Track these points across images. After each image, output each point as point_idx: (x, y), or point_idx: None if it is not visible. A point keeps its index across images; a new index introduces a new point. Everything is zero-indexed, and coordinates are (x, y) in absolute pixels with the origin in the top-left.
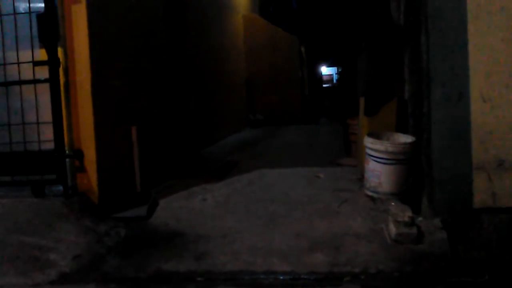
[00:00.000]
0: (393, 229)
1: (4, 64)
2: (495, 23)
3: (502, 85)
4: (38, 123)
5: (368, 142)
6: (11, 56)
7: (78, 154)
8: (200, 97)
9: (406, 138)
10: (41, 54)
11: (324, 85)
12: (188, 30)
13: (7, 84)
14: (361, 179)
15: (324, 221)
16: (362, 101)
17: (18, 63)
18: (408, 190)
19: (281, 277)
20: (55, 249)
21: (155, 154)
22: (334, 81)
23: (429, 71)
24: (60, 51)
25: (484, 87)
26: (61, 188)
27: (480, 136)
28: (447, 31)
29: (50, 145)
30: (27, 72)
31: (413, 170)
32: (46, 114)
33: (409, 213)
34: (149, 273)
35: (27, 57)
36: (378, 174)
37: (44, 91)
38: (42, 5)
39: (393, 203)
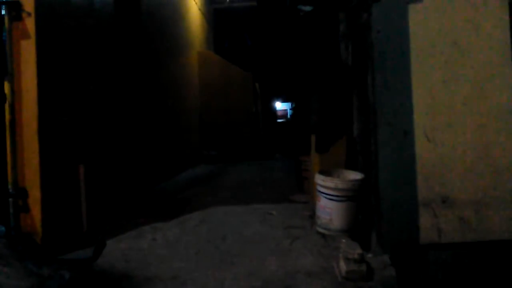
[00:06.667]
0: (343, 266)
1: None
2: (435, 65)
3: (444, 125)
4: None
5: (319, 179)
6: None
7: (22, 193)
8: (153, 132)
9: (355, 175)
10: None
11: (278, 120)
12: (142, 65)
13: None
14: (312, 215)
15: (276, 260)
16: (313, 139)
17: None
18: (358, 226)
19: None
20: None
21: (104, 192)
22: (288, 116)
23: (375, 111)
24: (6, 87)
25: (428, 126)
26: (3, 229)
27: (425, 173)
28: (392, 73)
29: None
30: None
31: (362, 206)
32: None
33: (358, 250)
34: None
35: None
36: (329, 211)
37: None
38: None
39: (343, 240)
